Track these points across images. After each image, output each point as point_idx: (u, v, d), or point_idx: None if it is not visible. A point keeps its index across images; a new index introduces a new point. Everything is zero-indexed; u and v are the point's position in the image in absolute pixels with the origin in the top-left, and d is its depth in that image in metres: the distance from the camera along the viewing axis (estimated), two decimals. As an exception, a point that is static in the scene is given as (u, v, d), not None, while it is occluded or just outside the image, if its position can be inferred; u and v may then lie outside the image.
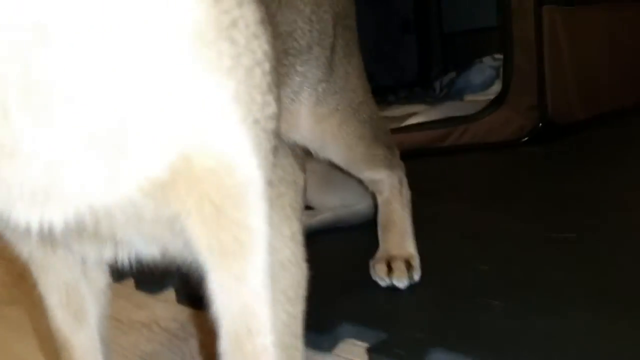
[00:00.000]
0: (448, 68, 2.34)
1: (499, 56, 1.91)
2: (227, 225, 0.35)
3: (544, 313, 0.58)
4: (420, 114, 1.65)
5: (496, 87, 1.81)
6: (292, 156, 0.49)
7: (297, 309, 0.44)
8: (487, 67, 2.13)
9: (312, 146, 0.70)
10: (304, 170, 0.68)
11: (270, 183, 0.37)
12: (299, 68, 0.65)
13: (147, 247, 0.41)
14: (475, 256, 0.76)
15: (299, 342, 0.44)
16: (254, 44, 0.36)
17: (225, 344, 0.38)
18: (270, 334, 0.37)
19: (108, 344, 0.53)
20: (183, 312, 0.73)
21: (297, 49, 0.64)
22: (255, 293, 0.37)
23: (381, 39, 2.45)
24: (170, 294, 0.79)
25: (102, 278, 0.53)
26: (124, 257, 0.43)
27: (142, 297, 0.80)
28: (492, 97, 1.57)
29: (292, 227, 0.44)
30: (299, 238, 0.45)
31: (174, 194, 0.34)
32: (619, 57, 1.67)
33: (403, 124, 1.59)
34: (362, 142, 0.73)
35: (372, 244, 0.78)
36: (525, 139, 1.43)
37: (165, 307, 0.75)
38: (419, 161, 1.40)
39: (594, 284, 0.64)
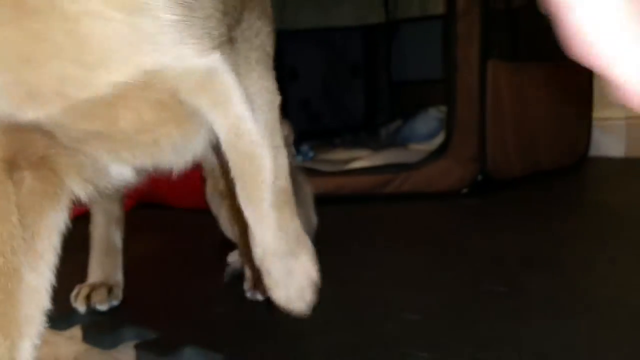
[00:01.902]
0: (395, 116, 2.36)
1: (445, 108, 1.93)
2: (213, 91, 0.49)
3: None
4: (364, 159, 1.64)
5: (440, 139, 1.82)
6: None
7: (274, 114, 0.64)
8: (432, 118, 2.15)
9: None
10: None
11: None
12: None
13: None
14: (405, 305, 0.73)
15: (280, 140, 0.63)
16: None
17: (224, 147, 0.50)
18: (257, 134, 0.50)
19: None
20: (87, 352, 0.67)
21: None
22: (241, 114, 0.49)
23: (330, 81, 2.46)
24: (76, 331, 0.72)
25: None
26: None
27: (46, 332, 0.73)
28: (435, 147, 1.58)
29: (260, 72, 0.64)
30: (268, 75, 0.65)
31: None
32: (558, 116, 1.71)
33: (346, 167, 1.58)
34: None
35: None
36: (465, 190, 1.43)
37: (69, 344, 0.69)
38: (359, 206, 1.39)
39: (523, 339, 0.61)
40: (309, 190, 0.98)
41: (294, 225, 0.57)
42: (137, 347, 0.64)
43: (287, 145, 1.04)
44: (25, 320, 0.51)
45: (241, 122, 0.49)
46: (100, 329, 0.69)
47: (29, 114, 0.43)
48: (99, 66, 0.43)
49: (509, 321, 0.67)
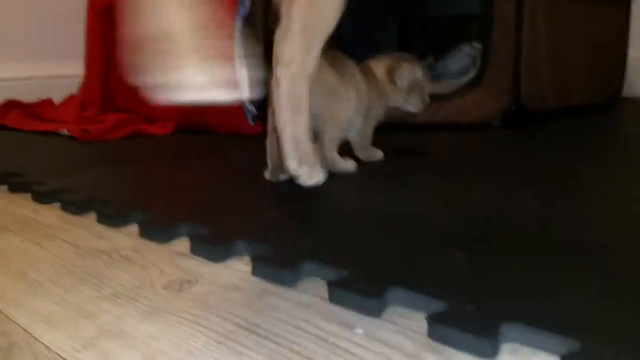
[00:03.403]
0: (427, 52, 2.35)
1: (477, 45, 1.93)
2: None
3: (504, 264, 0.60)
4: (396, 91, 1.65)
5: (472, 76, 1.82)
6: None
7: None
8: (465, 55, 2.14)
9: None
10: None
11: None
12: None
13: None
14: (439, 216, 0.77)
15: None
16: None
17: None
18: None
19: None
20: (145, 244, 0.72)
21: None
22: None
23: (362, 18, 2.45)
24: (133, 228, 0.78)
25: None
26: None
27: (104, 229, 0.79)
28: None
29: None
30: None
31: None
32: (594, 53, 1.70)
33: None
34: None
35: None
36: (497, 122, 1.45)
37: (127, 239, 0.75)
38: (390, 135, 1.42)
39: (554, 245, 0.65)
40: None
41: None
42: (192, 237, 0.69)
43: None
44: None
45: None
46: (155, 225, 0.75)
47: None
48: None
49: (541, 230, 0.70)
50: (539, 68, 1.50)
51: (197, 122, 1.58)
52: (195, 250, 0.68)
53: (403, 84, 1.12)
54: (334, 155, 1.02)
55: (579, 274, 0.56)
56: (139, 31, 1.66)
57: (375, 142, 1.14)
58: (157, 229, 0.73)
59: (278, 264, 0.61)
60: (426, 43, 2.48)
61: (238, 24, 1.49)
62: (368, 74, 1.11)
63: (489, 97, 1.46)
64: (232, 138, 1.46)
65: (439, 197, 0.89)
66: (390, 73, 1.12)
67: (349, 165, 1.03)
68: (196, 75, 1.55)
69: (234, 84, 1.46)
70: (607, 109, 1.76)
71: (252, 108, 1.51)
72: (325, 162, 1.01)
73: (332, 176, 1.01)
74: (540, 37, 1.49)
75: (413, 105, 1.15)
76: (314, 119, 0.98)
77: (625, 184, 0.92)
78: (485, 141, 1.33)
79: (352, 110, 1.03)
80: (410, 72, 1.11)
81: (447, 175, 1.02)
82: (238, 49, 1.49)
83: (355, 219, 0.79)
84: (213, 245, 0.67)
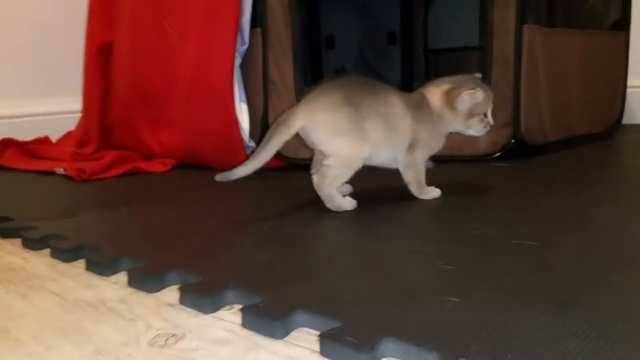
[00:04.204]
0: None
1: (479, 75, 1.92)
2: None
3: (498, 309, 0.57)
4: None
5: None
6: None
7: None
8: (466, 85, 2.14)
9: None
10: None
11: None
12: None
13: None
14: (436, 256, 0.75)
15: None
16: None
17: None
18: None
19: None
20: (133, 294, 0.70)
21: None
22: None
23: (366, 49, 2.46)
24: (121, 276, 0.76)
25: None
26: None
27: (92, 277, 0.77)
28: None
29: None
30: None
31: None
32: (593, 83, 1.69)
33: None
34: None
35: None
36: (497, 154, 1.43)
37: (115, 288, 0.73)
38: (391, 169, 1.40)
39: (550, 286, 0.63)
40: None
41: None
42: (182, 288, 0.67)
43: None
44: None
45: None
46: (144, 274, 0.73)
47: None
48: None
49: (538, 271, 0.68)
50: (539, 100, 1.48)
51: (196, 158, 1.56)
52: (184, 301, 0.66)
53: (463, 108, 1.04)
54: (332, 191, 1.00)
55: (572, 325, 0.54)
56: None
57: (377, 177, 1.13)
58: (145, 278, 0.71)
59: (268, 315, 0.59)
60: (429, 74, 2.48)
61: (237, 61, 1.48)
62: (419, 103, 1.06)
63: (490, 130, 1.44)
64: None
65: (434, 236, 0.87)
66: (449, 98, 1.05)
67: (346, 203, 1.01)
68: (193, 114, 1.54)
69: (233, 121, 1.45)
70: (608, 137, 1.74)
71: (251, 144, 1.50)
72: (322, 196, 0.99)
73: (328, 215, 0.99)
74: (539, 69, 1.48)
75: (475, 130, 1.08)
76: (323, 151, 0.99)
77: (623, 223, 0.90)
78: (484, 174, 1.32)
79: (366, 150, 1.00)
80: (472, 96, 1.04)
81: (444, 212, 1.00)
82: (238, 85, 1.48)
83: (347, 262, 0.77)
84: (202, 295, 0.65)
